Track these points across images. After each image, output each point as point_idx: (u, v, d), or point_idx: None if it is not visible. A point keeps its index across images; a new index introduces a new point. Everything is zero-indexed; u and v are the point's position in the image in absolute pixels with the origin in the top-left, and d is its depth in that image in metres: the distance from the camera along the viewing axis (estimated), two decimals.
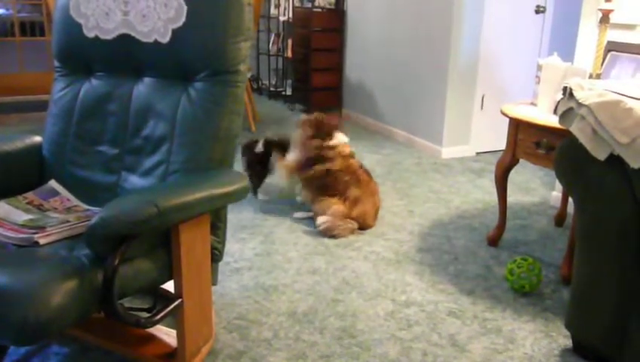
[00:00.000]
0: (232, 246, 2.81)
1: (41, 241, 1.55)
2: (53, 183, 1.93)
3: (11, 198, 1.79)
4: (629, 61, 2.62)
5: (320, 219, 2.98)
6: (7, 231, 1.58)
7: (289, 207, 3.31)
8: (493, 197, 3.56)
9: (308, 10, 5.75)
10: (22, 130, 4.87)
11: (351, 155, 3.22)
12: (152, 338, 1.91)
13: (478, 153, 4.68)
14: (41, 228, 1.61)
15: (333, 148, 3.15)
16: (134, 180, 1.89)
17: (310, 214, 3.17)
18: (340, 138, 3.20)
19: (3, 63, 5.93)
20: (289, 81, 6.59)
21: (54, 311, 1.28)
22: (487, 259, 2.76)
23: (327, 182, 3.08)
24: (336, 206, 3.02)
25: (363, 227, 3.05)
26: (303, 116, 3.27)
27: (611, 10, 2.62)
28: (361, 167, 3.22)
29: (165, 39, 1.84)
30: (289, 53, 6.32)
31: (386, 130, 5.23)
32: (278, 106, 6.40)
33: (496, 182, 2.82)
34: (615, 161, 1.75)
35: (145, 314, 1.61)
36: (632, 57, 2.61)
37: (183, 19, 1.82)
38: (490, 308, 2.33)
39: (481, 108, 4.58)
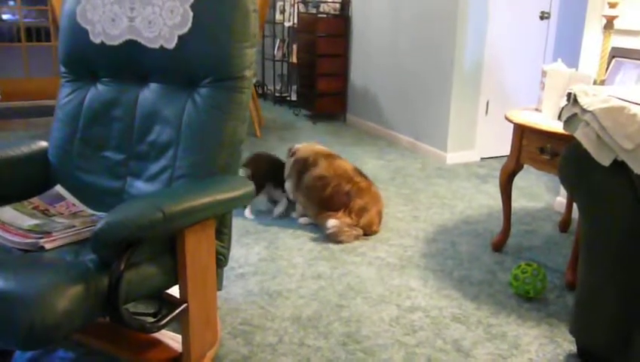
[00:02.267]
0: (236, 252, 2.82)
1: (47, 246, 1.56)
2: (58, 188, 1.93)
3: (17, 203, 1.79)
4: (633, 67, 2.62)
5: (330, 223, 2.97)
6: (13, 236, 1.59)
7: (293, 212, 3.32)
8: (497, 203, 3.55)
9: (313, 16, 5.77)
10: (28, 136, 4.90)
11: (332, 155, 3.24)
12: (157, 343, 1.91)
13: (482, 158, 4.68)
14: (47, 233, 1.61)
15: (304, 156, 3.19)
16: (140, 185, 1.90)
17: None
18: (300, 146, 3.29)
19: (9, 69, 5.97)
20: (294, 87, 6.60)
21: (60, 316, 1.28)
22: (491, 264, 2.76)
23: (325, 195, 3.06)
24: (341, 218, 3.01)
25: (368, 233, 3.05)
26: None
27: (616, 17, 2.62)
28: (356, 171, 3.19)
29: (171, 45, 1.85)
30: (294, 59, 6.34)
31: (390, 135, 5.23)
32: (283, 112, 6.42)
33: (500, 188, 2.82)
34: (619, 166, 1.75)
35: (150, 319, 1.61)
36: (637, 63, 2.61)
37: (189, 25, 1.83)
38: (494, 313, 2.32)
39: (486, 113, 4.58)
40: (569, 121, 1.93)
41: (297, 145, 3.33)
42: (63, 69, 2.09)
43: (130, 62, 1.94)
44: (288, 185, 3.24)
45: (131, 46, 1.91)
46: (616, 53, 2.73)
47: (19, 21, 5.94)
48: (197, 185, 1.74)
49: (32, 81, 5.98)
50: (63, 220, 1.75)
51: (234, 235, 2.96)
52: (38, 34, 6.08)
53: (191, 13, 1.83)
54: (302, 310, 2.31)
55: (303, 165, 3.17)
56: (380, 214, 3.13)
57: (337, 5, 5.77)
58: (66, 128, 2.03)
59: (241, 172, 3.30)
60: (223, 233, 1.89)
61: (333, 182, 3.07)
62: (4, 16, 6.10)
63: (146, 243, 1.49)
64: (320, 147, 3.32)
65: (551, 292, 2.50)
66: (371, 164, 4.41)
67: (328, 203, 3.05)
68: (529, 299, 2.42)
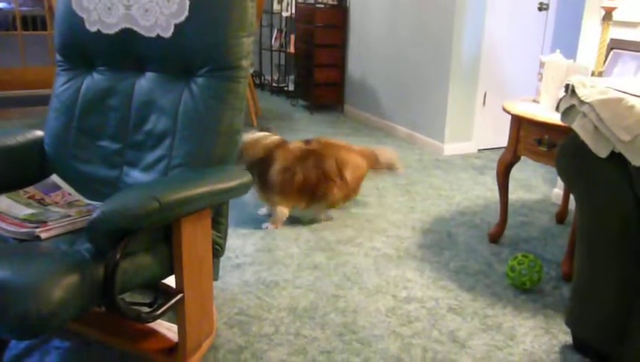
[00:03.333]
0: (233, 242, 2.82)
1: (43, 236, 1.56)
2: (54, 178, 1.93)
3: (12, 193, 1.79)
4: (631, 59, 2.62)
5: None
6: (8, 225, 1.58)
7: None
8: (494, 194, 3.56)
9: (311, 6, 5.75)
10: (24, 125, 4.87)
11: (282, 141, 3.01)
12: (153, 332, 1.91)
13: (479, 150, 4.68)
14: (43, 223, 1.61)
15: (258, 157, 2.92)
16: (136, 175, 1.89)
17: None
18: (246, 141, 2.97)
19: (5, 58, 5.93)
20: (291, 77, 6.58)
21: (55, 306, 1.28)
22: (488, 255, 2.76)
23: (301, 181, 2.92)
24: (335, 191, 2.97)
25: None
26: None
27: (614, 8, 2.61)
28: (303, 144, 3.02)
29: (167, 34, 1.84)
30: (291, 49, 6.32)
31: (387, 126, 5.22)
32: (281, 102, 6.40)
33: (497, 179, 2.82)
34: (616, 158, 1.75)
35: (146, 309, 1.61)
36: (635, 55, 2.61)
37: (186, 13, 1.82)
38: (490, 304, 2.33)
39: (483, 104, 4.58)
40: (567, 113, 1.93)
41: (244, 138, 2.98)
42: (58, 58, 2.07)
43: (126, 50, 1.93)
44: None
45: (127, 34, 1.90)
46: (615, 44, 2.72)
47: (15, 10, 5.90)
48: (193, 174, 1.73)
49: (29, 70, 5.95)
50: (58, 209, 1.74)
51: (230, 225, 2.96)
52: (34, 23, 6.04)
53: (187, 2, 1.82)
54: (298, 300, 2.31)
55: (261, 166, 2.92)
56: (347, 152, 3.00)
57: None
58: (61, 117, 2.02)
59: None
60: (219, 223, 1.89)
61: (285, 162, 2.90)
62: (0, 5, 6.06)
63: (142, 233, 1.49)
64: (266, 141, 3.00)
65: (547, 283, 2.50)
66: None
67: (314, 187, 2.93)
68: (525, 290, 2.43)
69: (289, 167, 2.91)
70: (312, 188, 2.94)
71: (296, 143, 3.04)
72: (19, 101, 5.74)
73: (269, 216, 3.01)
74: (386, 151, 3.09)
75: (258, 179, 2.92)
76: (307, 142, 3.05)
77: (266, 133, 3.03)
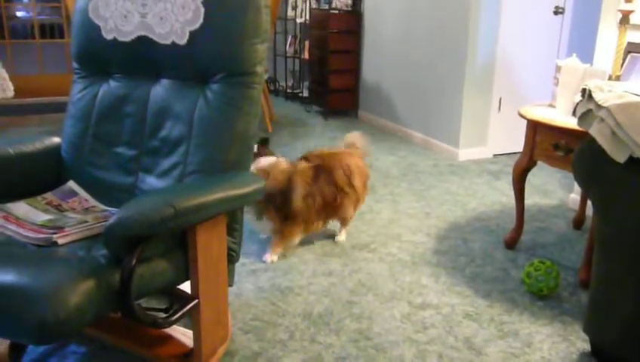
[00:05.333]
0: (248, 248, 2.82)
1: (60, 241, 1.57)
2: (71, 184, 1.94)
3: (30, 199, 1.80)
4: None
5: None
6: (26, 231, 1.60)
7: None
8: (510, 200, 3.53)
9: (325, 12, 5.76)
10: (41, 131, 4.92)
11: (291, 166, 2.74)
12: (169, 338, 1.92)
13: (495, 155, 4.65)
14: (60, 229, 1.62)
15: (277, 187, 2.63)
16: (151, 181, 1.90)
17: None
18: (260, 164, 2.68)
19: (23, 65, 6.00)
20: (306, 83, 6.60)
21: (72, 311, 1.29)
22: (504, 261, 2.74)
23: (325, 206, 2.77)
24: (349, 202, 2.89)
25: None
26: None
27: (631, 11, 2.59)
28: (308, 162, 2.81)
29: (183, 41, 1.86)
30: (306, 55, 6.34)
31: (402, 131, 5.22)
32: (295, 108, 6.42)
33: (513, 185, 2.80)
34: (634, 163, 1.73)
35: (161, 315, 1.62)
36: None
37: (201, 21, 1.83)
38: (507, 311, 2.31)
39: (499, 110, 4.55)
40: (584, 117, 1.91)
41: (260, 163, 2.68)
42: (75, 66, 2.09)
43: (142, 58, 1.95)
44: (266, 223, 2.70)
45: (143, 42, 1.92)
46: (632, 48, 2.70)
47: (33, 18, 5.98)
48: (208, 181, 1.74)
49: (46, 77, 6.01)
50: (75, 215, 1.76)
51: (245, 231, 2.96)
52: (52, 31, 6.12)
53: (202, 9, 1.83)
54: (313, 306, 2.31)
55: (281, 196, 2.64)
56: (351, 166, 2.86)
57: (349, 1, 5.75)
58: (78, 124, 2.04)
59: None
60: (234, 229, 1.90)
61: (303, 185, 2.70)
62: (19, 14, 6.16)
63: (157, 239, 1.50)
64: (282, 167, 2.70)
65: (564, 290, 2.48)
66: (383, 161, 4.40)
67: (329, 206, 2.78)
68: (542, 296, 2.40)
69: (309, 192, 2.69)
70: (327, 208, 2.78)
71: (302, 163, 2.77)
72: (36, 108, 5.80)
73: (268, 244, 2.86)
74: (355, 137, 3.03)
75: (279, 212, 2.65)
76: (306, 159, 2.82)
77: (273, 158, 2.74)
